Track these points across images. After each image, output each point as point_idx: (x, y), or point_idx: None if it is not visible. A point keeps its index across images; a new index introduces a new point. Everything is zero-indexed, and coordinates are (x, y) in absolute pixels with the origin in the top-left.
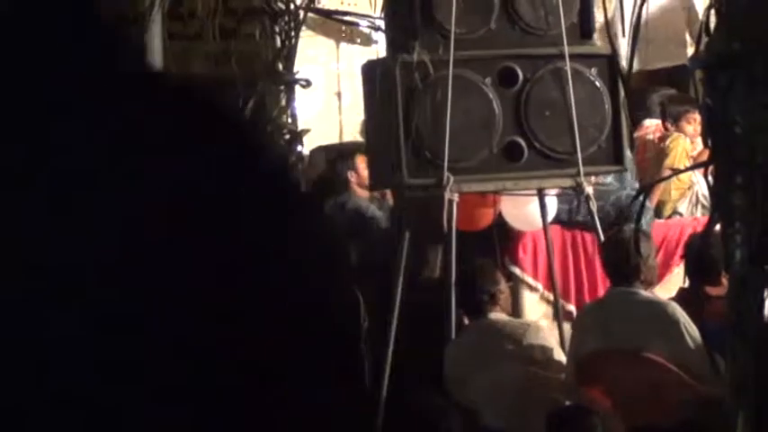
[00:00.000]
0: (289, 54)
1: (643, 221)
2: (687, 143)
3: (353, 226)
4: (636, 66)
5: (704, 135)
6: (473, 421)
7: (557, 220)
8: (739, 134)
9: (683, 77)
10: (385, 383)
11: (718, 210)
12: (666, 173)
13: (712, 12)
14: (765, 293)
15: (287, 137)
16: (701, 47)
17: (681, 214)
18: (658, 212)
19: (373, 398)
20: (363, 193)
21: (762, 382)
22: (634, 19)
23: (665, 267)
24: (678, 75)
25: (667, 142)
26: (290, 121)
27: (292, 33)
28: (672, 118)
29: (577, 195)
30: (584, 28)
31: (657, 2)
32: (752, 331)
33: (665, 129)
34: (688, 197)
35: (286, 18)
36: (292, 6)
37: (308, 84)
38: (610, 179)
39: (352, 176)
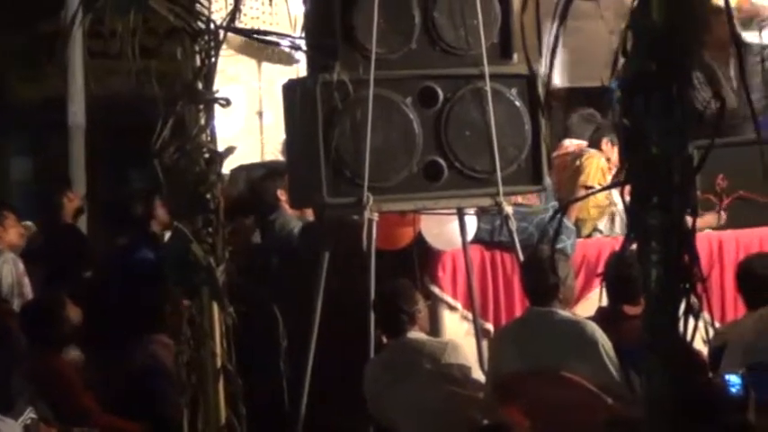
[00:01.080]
0: (208, 73)
1: (568, 243)
2: (602, 161)
3: (282, 244)
4: (560, 85)
5: (621, 155)
6: None
7: (477, 240)
8: (656, 154)
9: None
10: (304, 402)
11: (635, 229)
12: (581, 190)
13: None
14: (681, 312)
15: (206, 156)
16: (619, 67)
17: (601, 232)
18: (578, 231)
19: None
20: (294, 212)
21: (677, 402)
22: (552, 40)
23: (587, 286)
24: (601, 94)
25: (582, 160)
26: (209, 140)
27: (212, 52)
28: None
29: (498, 215)
30: (504, 48)
31: (581, 22)
32: (667, 350)
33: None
34: (608, 215)
35: (206, 37)
36: (212, 26)
37: (227, 103)
38: (535, 200)
39: (282, 195)
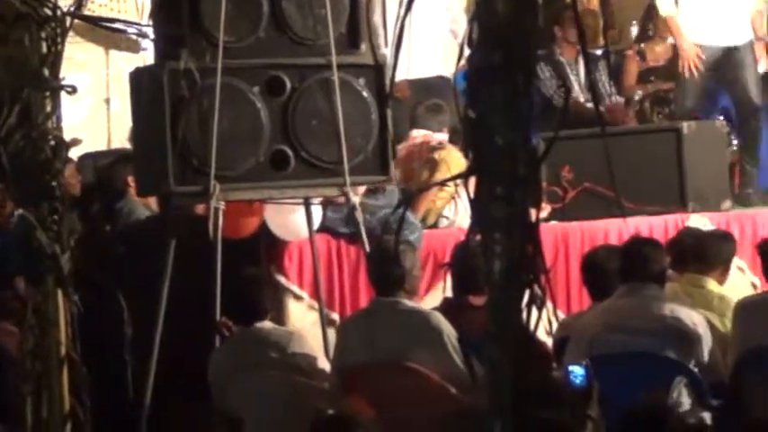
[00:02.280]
0: (55, 60)
1: (412, 239)
2: (459, 156)
3: (129, 232)
4: (405, 76)
5: (465, 146)
6: (237, 429)
7: (323, 230)
8: (501, 146)
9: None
10: (149, 392)
11: (479, 220)
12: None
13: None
14: (524, 303)
15: (52, 143)
16: (464, 58)
17: (447, 218)
18: (423, 221)
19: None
20: (140, 200)
21: (520, 393)
22: (397, 29)
23: (433, 277)
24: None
25: (442, 155)
26: (55, 127)
27: (59, 39)
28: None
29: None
30: (352, 38)
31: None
32: (511, 341)
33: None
34: (452, 205)
35: (53, 24)
36: (59, 12)
37: (73, 90)
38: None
39: (131, 182)
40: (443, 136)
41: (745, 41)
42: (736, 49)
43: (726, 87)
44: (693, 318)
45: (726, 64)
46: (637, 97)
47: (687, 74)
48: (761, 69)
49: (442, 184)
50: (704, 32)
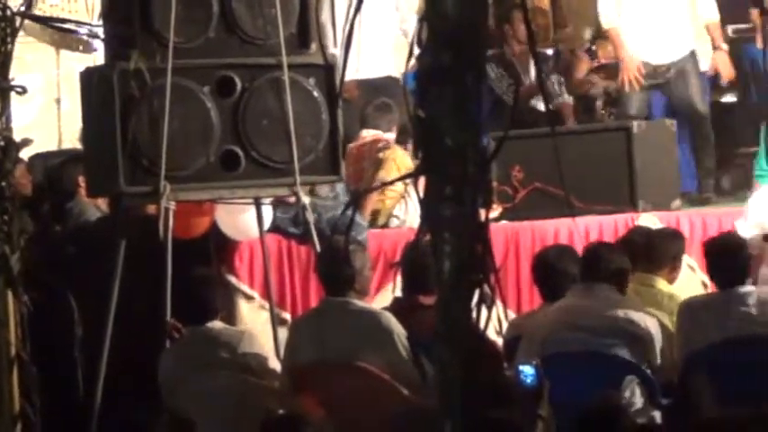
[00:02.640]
0: (4, 60)
1: (360, 238)
2: (406, 157)
3: (79, 232)
4: (355, 76)
5: (415, 147)
6: (187, 430)
7: (273, 229)
8: (450, 146)
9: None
10: (99, 392)
11: (428, 220)
12: (378, 183)
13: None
14: (473, 303)
15: (2, 144)
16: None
17: (398, 218)
18: (374, 222)
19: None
20: (90, 200)
21: (470, 393)
22: (347, 29)
23: (385, 277)
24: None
25: (387, 154)
26: (5, 127)
27: (8, 39)
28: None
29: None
30: (302, 38)
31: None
32: (460, 341)
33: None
34: (403, 204)
35: (2, 24)
36: (8, 12)
37: (23, 90)
38: (326, 193)
39: (81, 182)
40: (393, 135)
41: (685, 54)
42: (675, 63)
43: (669, 97)
44: (647, 319)
45: (666, 75)
46: (595, 92)
47: (627, 87)
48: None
49: (391, 183)
50: (642, 48)
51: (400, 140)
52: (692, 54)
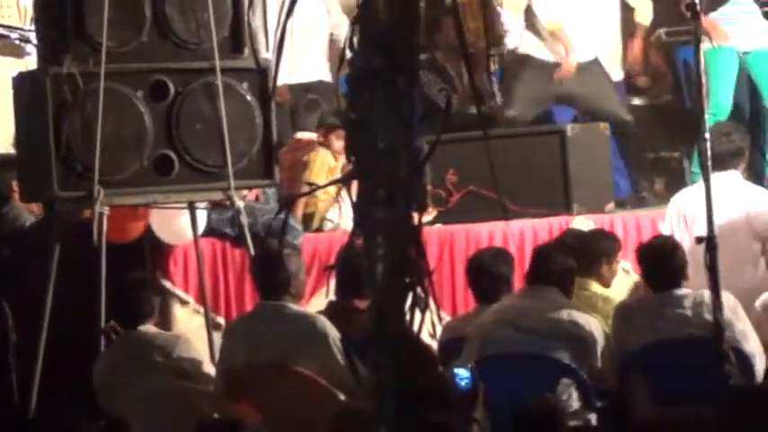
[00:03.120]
0: None
1: (296, 242)
2: (328, 156)
3: (14, 237)
4: (288, 81)
5: (347, 150)
6: None
7: (207, 233)
8: (382, 149)
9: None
10: (34, 396)
11: (361, 224)
12: (305, 186)
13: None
14: (407, 306)
15: None
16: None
17: (331, 221)
18: (307, 225)
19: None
20: (23, 205)
21: (404, 395)
22: (278, 34)
23: (319, 280)
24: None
25: (310, 155)
26: None
27: None
28: (323, 131)
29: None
30: (235, 42)
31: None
32: (393, 343)
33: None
34: (336, 208)
35: None
36: None
37: None
38: (262, 198)
39: (15, 187)
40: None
41: (590, 58)
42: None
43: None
44: (591, 322)
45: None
46: None
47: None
48: None
49: (324, 187)
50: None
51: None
52: (596, 60)
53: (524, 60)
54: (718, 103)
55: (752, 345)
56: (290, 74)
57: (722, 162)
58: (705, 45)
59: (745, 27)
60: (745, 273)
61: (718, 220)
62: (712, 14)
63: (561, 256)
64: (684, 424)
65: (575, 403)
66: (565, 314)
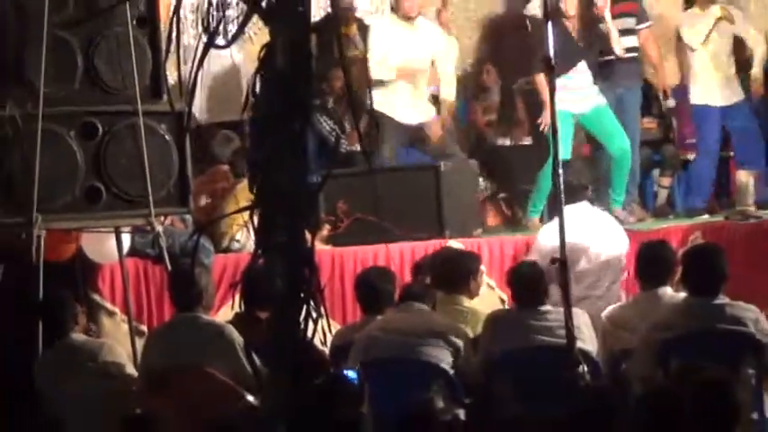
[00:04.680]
0: None
1: (207, 261)
2: (244, 188)
3: None
4: (201, 121)
5: (250, 182)
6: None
7: (132, 254)
8: (282, 182)
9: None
10: None
11: (263, 246)
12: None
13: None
14: (302, 317)
15: None
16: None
17: (238, 241)
18: (218, 245)
19: None
20: None
21: (298, 394)
22: (191, 80)
23: (227, 294)
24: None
25: (237, 188)
26: None
27: None
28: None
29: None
30: (155, 89)
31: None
32: (290, 350)
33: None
34: (244, 230)
35: None
36: None
37: None
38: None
39: None
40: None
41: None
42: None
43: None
44: (458, 330)
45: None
46: None
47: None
48: None
49: (230, 215)
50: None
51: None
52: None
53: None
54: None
55: (598, 353)
56: (202, 114)
57: (574, 195)
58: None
59: (578, 95)
60: (599, 287)
61: (576, 242)
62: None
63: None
64: (542, 420)
65: (445, 400)
66: (435, 323)
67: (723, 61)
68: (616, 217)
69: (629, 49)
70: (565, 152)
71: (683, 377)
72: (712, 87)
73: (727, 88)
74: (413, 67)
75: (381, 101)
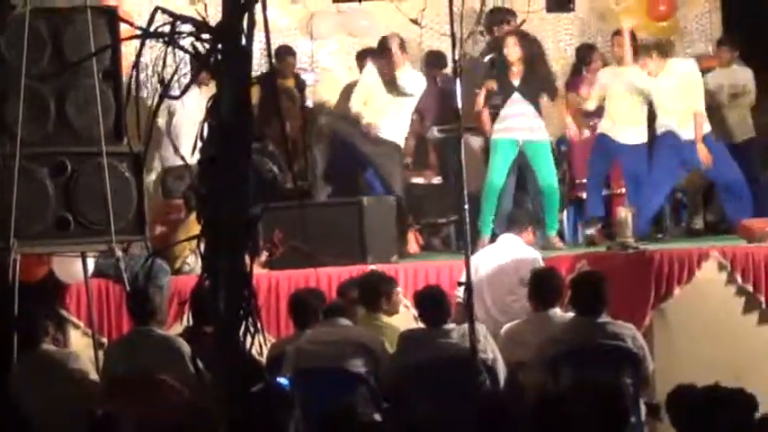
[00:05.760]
0: None
1: (165, 281)
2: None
3: None
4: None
5: (197, 214)
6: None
7: (96, 275)
8: (225, 214)
9: None
10: None
11: (208, 270)
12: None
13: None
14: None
15: None
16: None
17: (189, 264)
18: (172, 267)
19: None
20: None
21: (238, 400)
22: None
23: (179, 311)
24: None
25: (190, 218)
26: None
27: None
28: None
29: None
30: (117, 132)
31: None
32: (230, 361)
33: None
34: (194, 255)
35: None
36: None
37: None
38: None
39: None
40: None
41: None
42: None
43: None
44: (376, 341)
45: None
46: None
47: None
48: None
49: (180, 243)
50: None
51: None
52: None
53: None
54: (492, 182)
55: (498, 363)
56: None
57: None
58: (497, 135)
59: (522, 123)
60: (514, 306)
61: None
62: (502, 111)
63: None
64: (451, 421)
65: (365, 405)
66: (357, 336)
67: (636, 104)
68: (552, 243)
69: None
70: (499, 179)
71: (577, 386)
72: (619, 124)
73: (632, 128)
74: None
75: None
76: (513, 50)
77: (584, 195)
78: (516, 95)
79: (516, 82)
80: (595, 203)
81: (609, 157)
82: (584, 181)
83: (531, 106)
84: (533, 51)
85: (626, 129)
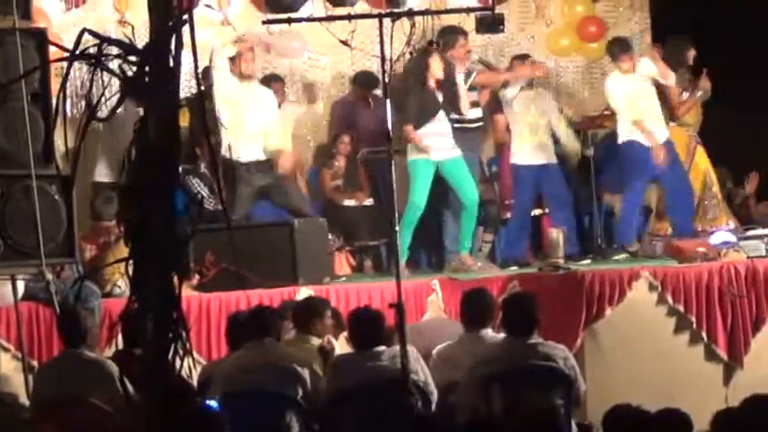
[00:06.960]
0: None
1: (96, 304)
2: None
3: None
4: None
5: (125, 236)
6: None
7: (26, 297)
8: (155, 236)
9: None
10: None
11: (137, 292)
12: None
13: None
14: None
15: None
16: None
17: (120, 287)
18: (103, 290)
19: None
20: None
21: (167, 422)
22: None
23: (110, 334)
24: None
25: (111, 238)
26: None
27: None
28: None
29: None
30: (46, 155)
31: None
32: (159, 383)
33: None
34: (125, 278)
35: None
36: None
37: None
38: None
39: None
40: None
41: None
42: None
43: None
44: (304, 363)
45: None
46: None
47: None
48: None
49: (107, 266)
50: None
51: None
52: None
53: None
54: (415, 201)
55: (430, 385)
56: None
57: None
58: (413, 156)
59: (440, 142)
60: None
61: None
62: (420, 131)
63: (275, 319)
64: None
65: (295, 426)
66: (286, 359)
67: (540, 127)
68: (464, 262)
69: (475, 120)
70: (420, 200)
71: (509, 408)
72: (527, 150)
73: (540, 151)
74: None
75: None
76: (437, 67)
77: (511, 215)
78: (441, 114)
79: (440, 98)
80: (522, 224)
81: (528, 179)
82: (512, 202)
83: (449, 124)
84: (452, 71)
85: (532, 150)
